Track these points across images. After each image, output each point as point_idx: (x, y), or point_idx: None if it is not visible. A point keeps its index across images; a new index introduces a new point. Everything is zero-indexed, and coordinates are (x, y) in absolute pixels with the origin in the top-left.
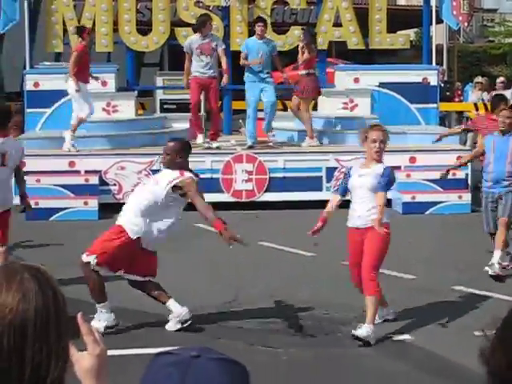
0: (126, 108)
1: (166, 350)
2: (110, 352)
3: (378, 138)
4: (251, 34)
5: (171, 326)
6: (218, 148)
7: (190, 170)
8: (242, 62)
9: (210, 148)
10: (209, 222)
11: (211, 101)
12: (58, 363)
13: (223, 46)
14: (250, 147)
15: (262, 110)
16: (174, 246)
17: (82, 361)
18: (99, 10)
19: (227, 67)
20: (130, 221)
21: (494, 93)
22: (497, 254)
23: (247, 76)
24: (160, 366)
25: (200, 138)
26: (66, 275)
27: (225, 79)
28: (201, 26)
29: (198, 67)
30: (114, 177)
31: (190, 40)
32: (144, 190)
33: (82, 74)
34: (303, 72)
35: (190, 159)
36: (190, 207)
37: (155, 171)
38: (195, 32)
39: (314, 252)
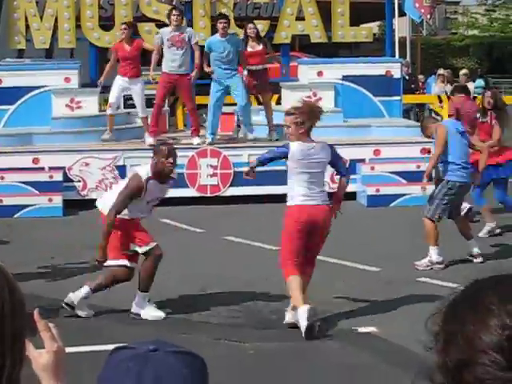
0: (90, 104)
1: (122, 344)
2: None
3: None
4: (214, 28)
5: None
6: (198, 144)
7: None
8: (205, 68)
9: (191, 144)
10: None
11: (186, 100)
12: (14, 361)
13: (196, 39)
14: (210, 144)
15: (229, 105)
16: None
17: (40, 357)
18: (61, 6)
19: (198, 62)
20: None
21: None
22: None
23: (214, 74)
24: (118, 361)
25: (149, 139)
26: (26, 272)
27: (194, 73)
28: (167, 17)
29: (169, 61)
30: (79, 173)
31: (161, 31)
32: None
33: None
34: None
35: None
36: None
37: (119, 167)
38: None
39: (280, 246)
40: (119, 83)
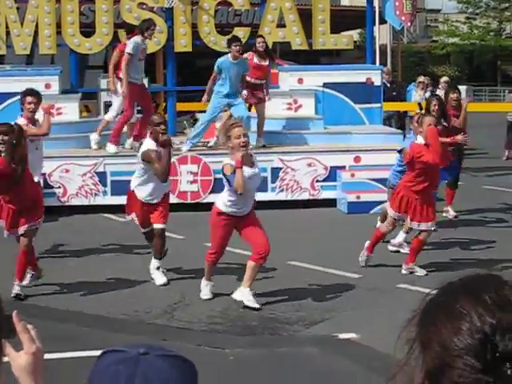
0: (70, 110)
1: (112, 348)
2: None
3: (241, 133)
4: (195, 35)
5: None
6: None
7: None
8: (204, 98)
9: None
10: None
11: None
12: None
13: None
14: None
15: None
16: (122, 249)
17: (18, 359)
18: (42, 12)
19: None
20: None
21: (438, 92)
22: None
23: (216, 94)
24: (107, 364)
25: (112, 148)
26: (5, 275)
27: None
28: (147, 28)
29: (138, 72)
30: (59, 179)
31: (136, 42)
32: None
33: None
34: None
35: (132, 161)
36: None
37: (100, 173)
38: (140, 34)
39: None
40: None
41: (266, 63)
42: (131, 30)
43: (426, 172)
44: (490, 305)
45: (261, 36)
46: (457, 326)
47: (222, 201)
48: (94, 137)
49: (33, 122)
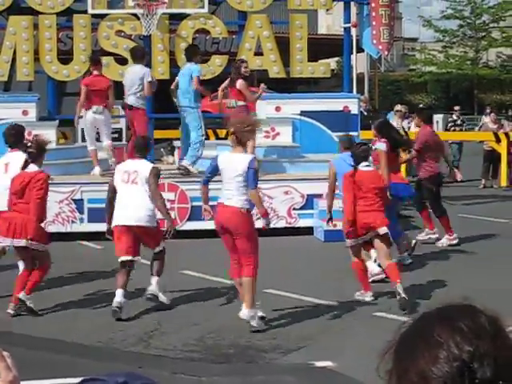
0: (48, 137)
1: (91, 376)
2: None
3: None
4: (173, 62)
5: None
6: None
7: None
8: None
9: None
10: None
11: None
12: None
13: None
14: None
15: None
16: (98, 276)
17: None
18: (20, 39)
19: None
20: None
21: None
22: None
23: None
24: None
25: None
26: None
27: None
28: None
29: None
30: None
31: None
32: None
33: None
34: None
35: (104, 188)
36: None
37: (77, 200)
38: (138, 62)
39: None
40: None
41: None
42: (97, 61)
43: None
44: (466, 332)
45: (245, 61)
46: (434, 354)
47: (245, 199)
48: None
49: None
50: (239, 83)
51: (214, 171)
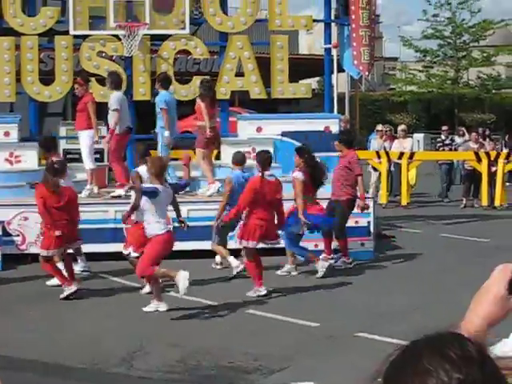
0: (29, 158)
1: None
2: None
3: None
4: (154, 83)
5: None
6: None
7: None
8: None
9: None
10: None
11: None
12: None
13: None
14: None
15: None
16: (81, 296)
17: None
18: (2, 60)
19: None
20: None
21: (396, 141)
22: None
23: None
24: None
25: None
26: None
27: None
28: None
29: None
30: (18, 227)
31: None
32: None
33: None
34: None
35: (93, 208)
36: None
37: None
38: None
39: (215, 301)
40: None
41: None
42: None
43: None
44: (455, 360)
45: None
46: (424, 381)
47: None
48: (88, 190)
49: None
50: (197, 103)
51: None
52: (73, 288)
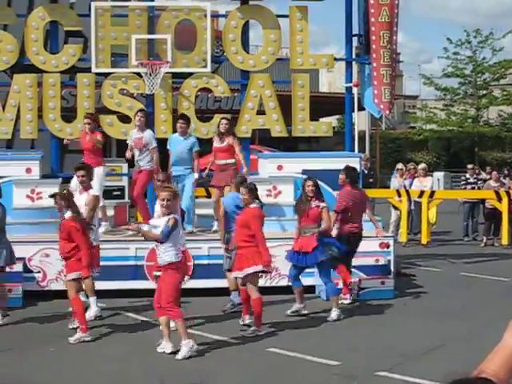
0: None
1: None
2: None
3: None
4: (176, 121)
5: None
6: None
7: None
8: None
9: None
10: None
11: (134, 188)
12: None
13: (154, 145)
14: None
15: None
16: (104, 334)
17: None
18: (24, 97)
19: (157, 166)
20: None
21: (416, 179)
22: None
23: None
24: None
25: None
26: None
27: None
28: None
29: (135, 160)
30: (39, 264)
31: (129, 134)
32: None
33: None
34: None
35: (113, 245)
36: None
37: None
38: None
39: (231, 337)
40: None
41: (224, 144)
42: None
43: None
44: None
45: (224, 118)
46: None
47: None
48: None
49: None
50: (227, 140)
51: None
52: (88, 337)
